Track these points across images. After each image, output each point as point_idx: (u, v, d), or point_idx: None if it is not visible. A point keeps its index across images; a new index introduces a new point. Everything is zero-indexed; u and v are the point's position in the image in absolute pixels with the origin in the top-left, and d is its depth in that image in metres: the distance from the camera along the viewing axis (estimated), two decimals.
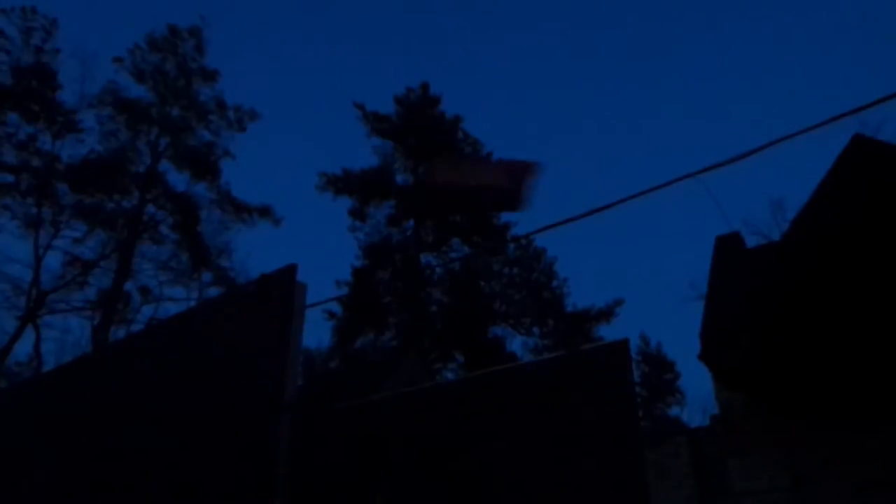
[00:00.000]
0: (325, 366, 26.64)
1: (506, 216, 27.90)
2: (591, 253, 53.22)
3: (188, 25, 26.47)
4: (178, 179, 25.69)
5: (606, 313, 27.64)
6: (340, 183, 28.15)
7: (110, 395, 4.56)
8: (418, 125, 28.46)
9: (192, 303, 24.16)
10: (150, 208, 24.93)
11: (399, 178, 28.95)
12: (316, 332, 27.45)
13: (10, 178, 23.28)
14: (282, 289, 3.92)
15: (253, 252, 30.72)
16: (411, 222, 27.89)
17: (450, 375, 25.24)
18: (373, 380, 14.55)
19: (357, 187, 27.97)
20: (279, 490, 3.36)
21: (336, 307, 26.31)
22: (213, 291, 24.81)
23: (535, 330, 28.08)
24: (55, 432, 4.73)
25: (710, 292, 5.60)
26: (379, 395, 4.31)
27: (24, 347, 23.23)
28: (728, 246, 6.62)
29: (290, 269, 3.97)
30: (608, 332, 27.32)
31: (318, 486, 3.41)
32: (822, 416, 4.59)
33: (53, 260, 23.31)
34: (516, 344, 27.45)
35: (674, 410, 35.42)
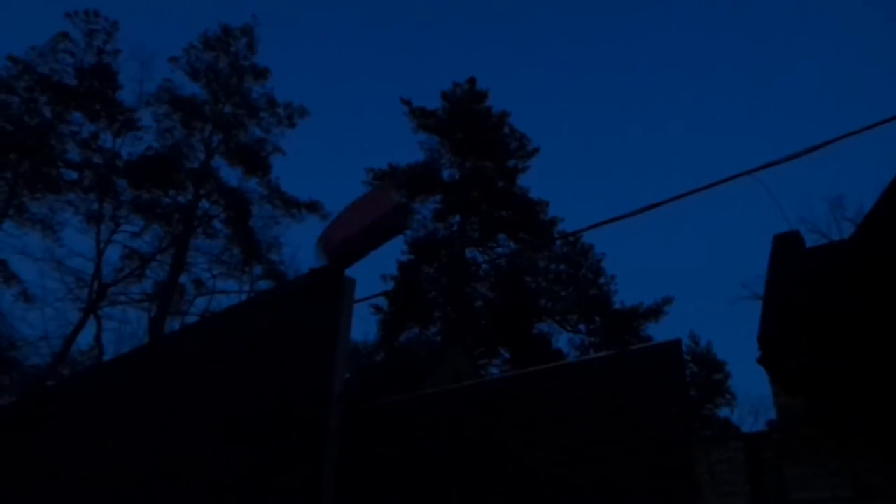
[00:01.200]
0: (371, 360, 26.93)
1: (547, 214, 27.63)
2: (640, 250, 52.25)
3: (240, 24, 27.08)
4: (230, 175, 26.36)
5: (655, 311, 27.10)
6: (387, 178, 28.33)
7: (165, 385, 4.70)
8: (465, 120, 28.41)
9: (244, 296, 24.75)
10: (204, 203, 25.64)
11: (445, 173, 28.99)
12: (362, 327, 27.69)
13: (73, 174, 24.30)
14: (330, 284, 3.96)
15: (302, 246, 31.24)
16: (457, 217, 27.89)
17: (495, 371, 25.20)
18: (418, 374, 14.62)
19: (403, 182, 28.11)
20: (328, 481, 3.40)
21: (382, 302, 26.57)
22: (264, 285, 25.35)
23: (582, 327, 27.77)
24: (114, 419, 4.90)
25: (768, 293, 5.39)
26: (425, 390, 4.31)
27: (86, 337, 24.17)
28: (787, 245, 6.37)
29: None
30: (657, 330, 26.78)
31: (365, 478, 3.43)
32: (890, 425, 4.37)
33: (113, 253, 24.16)
34: (562, 341, 27.20)
35: (723, 412, 34.51)
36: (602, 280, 28.38)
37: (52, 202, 23.98)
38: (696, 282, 52.44)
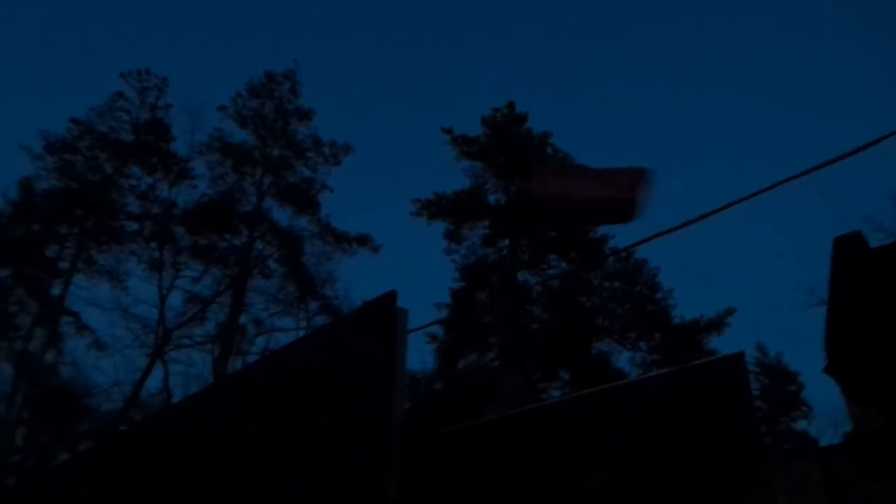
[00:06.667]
0: (430, 388, 26.91)
1: (603, 229, 27.31)
2: (695, 262, 50.89)
3: (283, 70, 28.05)
4: (281, 215, 27.09)
5: (717, 324, 26.27)
6: (434, 207, 28.58)
7: (229, 423, 4.82)
8: (506, 144, 28.51)
9: (301, 332, 25.20)
10: (258, 244, 26.38)
11: (491, 198, 29.05)
12: (420, 356, 27.79)
13: (135, 226, 25.44)
14: (383, 315, 4.01)
15: (355, 280, 31.71)
16: (507, 241, 27.84)
17: (555, 394, 24.79)
18: (477, 401, 14.53)
19: (450, 210, 28.29)
20: None
21: (438, 330, 26.61)
22: (320, 320, 25.77)
23: (642, 345, 27.13)
24: (182, 458, 5.04)
25: (831, 299, 5.17)
26: (484, 417, 4.29)
27: (154, 381, 25.01)
28: (848, 247, 6.12)
29: (391, 296, 4.06)
30: (721, 343, 25.90)
31: None
32: None
33: (176, 299, 25.06)
34: (622, 360, 26.63)
35: (800, 425, 32.97)
36: (659, 295, 27.77)
37: (116, 253, 25.20)
38: (760, 291, 50.61)
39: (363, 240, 27.56)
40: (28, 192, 25.43)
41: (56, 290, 24.54)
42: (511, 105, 29.67)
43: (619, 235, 27.76)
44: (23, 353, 23.90)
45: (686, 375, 3.00)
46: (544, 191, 3.95)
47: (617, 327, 27.18)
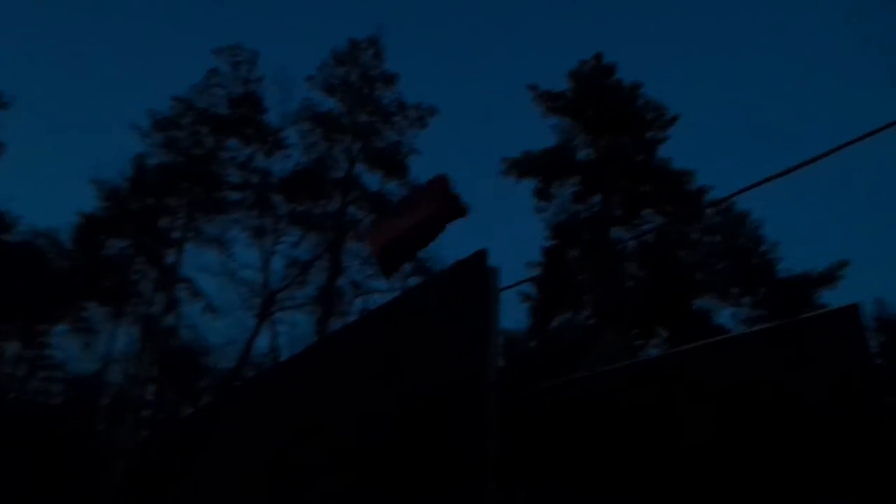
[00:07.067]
0: (525, 347, 27.00)
1: (698, 183, 26.04)
2: (804, 212, 47.64)
3: (366, 36, 28.26)
4: (371, 180, 27.64)
5: (828, 277, 24.62)
6: (522, 166, 28.19)
7: (329, 380, 5.04)
8: (595, 97, 27.54)
9: (395, 293, 25.84)
10: (351, 209, 27.12)
11: (581, 154, 28.29)
12: (514, 315, 27.85)
13: (236, 195, 26.78)
14: (474, 274, 4.03)
15: (445, 241, 31.90)
16: (598, 197, 27.13)
17: (653, 352, 24.25)
18: (571, 359, 14.46)
19: (539, 168, 27.83)
20: (489, 471, 3.47)
21: (531, 289, 26.52)
22: (413, 281, 26.33)
23: (746, 300, 25.92)
24: (288, 413, 5.34)
25: None
26: (580, 372, 4.26)
27: (263, 341, 26.58)
28: None
29: (481, 255, 4.07)
30: (833, 298, 24.29)
31: (524, 463, 3.47)
32: None
33: (278, 263, 26.35)
34: (725, 316, 25.58)
35: None
36: (763, 248, 26.32)
37: (222, 222, 26.64)
38: (878, 242, 46.87)
39: None
40: (141, 168, 27.27)
41: (171, 259, 26.38)
42: (598, 56, 28.54)
43: (718, 187, 26.45)
44: (146, 317, 26.01)
45: (796, 329, 2.83)
46: (379, 244, 3.99)
47: (718, 282, 26.07)
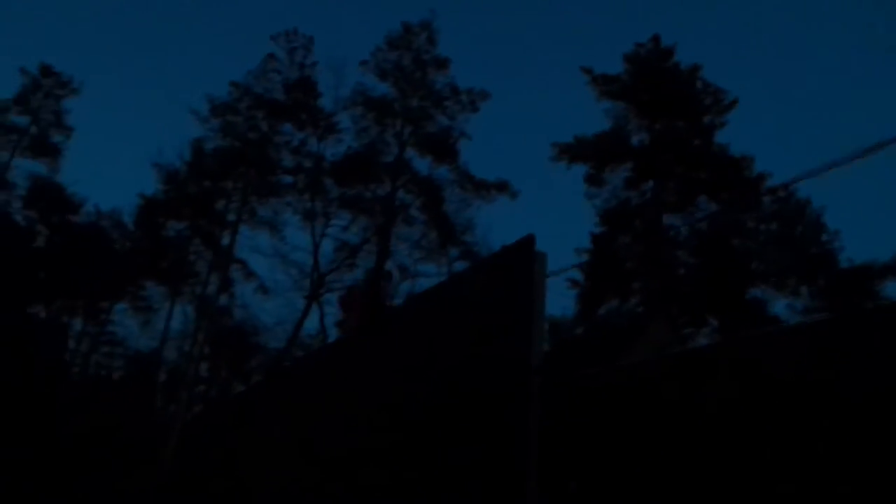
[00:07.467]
0: (571, 334, 26.79)
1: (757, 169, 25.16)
2: (869, 199, 45.52)
3: (419, 20, 28.22)
4: (422, 165, 27.75)
5: (893, 268, 23.54)
6: (574, 150, 27.79)
7: (377, 361, 5.13)
8: (651, 81, 26.83)
9: (443, 278, 25.98)
10: (401, 194, 27.30)
11: (634, 139, 27.69)
12: (561, 301, 27.65)
13: (289, 179, 27.30)
14: (522, 259, 4.03)
15: (494, 226, 31.96)
16: (650, 183, 26.54)
17: (703, 341, 23.71)
18: (617, 347, 14.29)
19: (591, 153, 27.38)
20: (532, 453, 3.49)
21: (579, 275, 26.25)
22: (460, 266, 26.40)
23: (804, 290, 25.04)
24: (336, 392, 5.47)
25: None
26: (626, 360, 4.22)
27: (312, 322, 27.18)
28: None
29: (529, 240, 4.06)
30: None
31: (566, 448, 3.47)
32: None
33: (328, 246, 26.85)
34: (780, 306, 24.79)
35: None
36: (824, 237, 25.33)
37: (275, 205, 27.23)
38: None
39: (502, 186, 27.58)
40: (199, 152, 28.07)
41: (225, 240, 27.15)
42: (656, 39, 27.78)
43: (777, 173, 25.51)
44: (202, 296, 26.90)
45: (856, 319, 2.74)
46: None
47: (774, 272, 25.24)
